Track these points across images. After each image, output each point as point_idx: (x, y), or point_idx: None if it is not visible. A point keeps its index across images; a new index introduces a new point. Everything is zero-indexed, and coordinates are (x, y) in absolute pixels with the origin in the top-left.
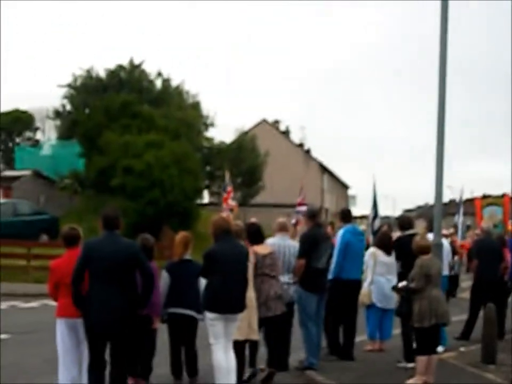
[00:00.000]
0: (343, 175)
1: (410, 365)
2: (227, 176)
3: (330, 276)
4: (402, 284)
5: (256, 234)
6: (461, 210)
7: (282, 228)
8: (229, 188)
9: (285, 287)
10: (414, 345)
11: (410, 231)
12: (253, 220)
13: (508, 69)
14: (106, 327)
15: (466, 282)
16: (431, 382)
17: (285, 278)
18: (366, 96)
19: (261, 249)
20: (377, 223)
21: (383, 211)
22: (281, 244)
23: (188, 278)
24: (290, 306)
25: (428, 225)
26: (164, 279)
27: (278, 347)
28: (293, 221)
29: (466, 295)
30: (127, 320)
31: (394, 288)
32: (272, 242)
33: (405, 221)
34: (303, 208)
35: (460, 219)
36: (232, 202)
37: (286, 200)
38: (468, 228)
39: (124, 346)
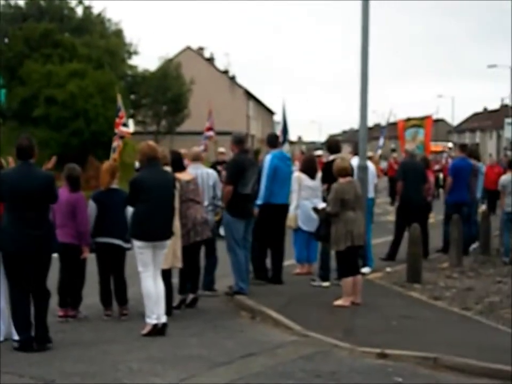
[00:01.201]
0: (268, 101)
1: (325, 283)
2: (119, 99)
3: (259, 201)
4: (322, 205)
5: (178, 162)
6: (384, 133)
7: (196, 158)
8: (121, 113)
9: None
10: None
11: (338, 155)
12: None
13: None
14: (25, 253)
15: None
16: (358, 302)
17: (205, 204)
18: (293, 20)
19: (183, 175)
20: (285, 147)
21: (309, 136)
22: (198, 173)
23: (115, 207)
24: (212, 230)
25: (353, 150)
26: (91, 208)
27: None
28: (201, 147)
29: (391, 217)
30: (46, 245)
31: (315, 209)
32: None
33: (332, 144)
34: (211, 133)
35: (381, 142)
36: (124, 129)
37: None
38: (393, 151)
39: (44, 271)
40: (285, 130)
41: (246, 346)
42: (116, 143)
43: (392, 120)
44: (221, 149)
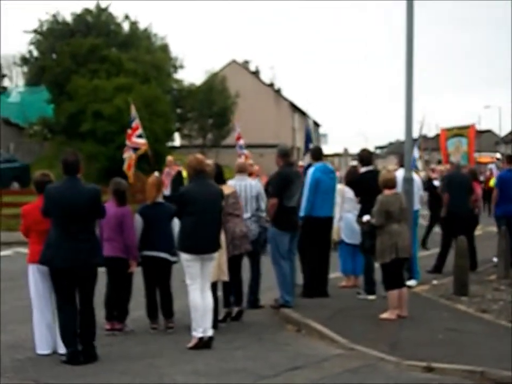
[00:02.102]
0: (314, 113)
1: (371, 297)
2: (132, 109)
3: (301, 214)
4: (366, 217)
5: (218, 176)
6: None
7: (241, 169)
8: (135, 124)
9: (248, 224)
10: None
11: (370, 167)
12: (209, 161)
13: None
14: (72, 267)
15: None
16: (404, 315)
17: (247, 215)
18: (338, 33)
19: (223, 189)
20: (306, 159)
21: (354, 148)
22: (242, 184)
23: (161, 221)
24: (254, 244)
25: (399, 161)
26: (137, 222)
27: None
28: (242, 158)
29: (437, 228)
30: (92, 259)
31: (359, 221)
32: (232, 184)
33: (364, 157)
34: (242, 142)
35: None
36: (138, 140)
37: (257, 140)
38: (426, 162)
39: (91, 285)
40: (307, 140)
41: (292, 359)
42: (127, 154)
43: (434, 132)
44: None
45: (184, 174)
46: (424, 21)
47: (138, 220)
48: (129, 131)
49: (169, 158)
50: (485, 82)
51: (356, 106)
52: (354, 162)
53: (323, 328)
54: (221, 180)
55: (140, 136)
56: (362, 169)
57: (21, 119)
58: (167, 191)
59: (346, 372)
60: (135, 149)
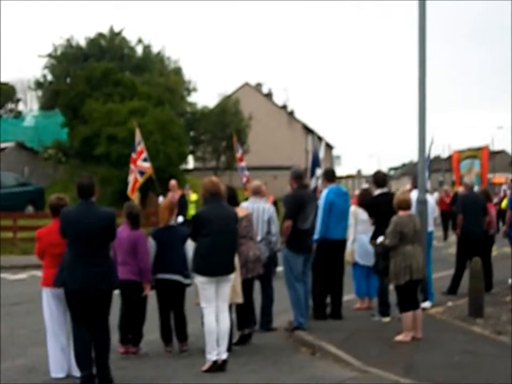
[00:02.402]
0: (327, 135)
1: (385, 319)
2: (137, 134)
3: (316, 236)
4: (380, 239)
5: (232, 198)
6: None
7: (256, 191)
8: (139, 148)
9: (261, 248)
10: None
11: (384, 190)
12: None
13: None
14: (86, 290)
15: (450, 237)
16: (419, 337)
17: (258, 239)
18: (349, 55)
19: (237, 211)
20: (313, 182)
21: (367, 170)
22: (255, 207)
23: (174, 244)
24: (266, 267)
25: (413, 182)
26: (150, 246)
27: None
28: (244, 180)
29: (452, 250)
30: (107, 282)
31: (372, 242)
32: (246, 206)
33: (379, 178)
34: (243, 164)
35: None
36: (144, 164)
37: (271, 162)
38: (440, 184)
39: (106, 308)
40: (314, 163)
41: (307, 382)
42: (132, 177)
43: (447, 152)
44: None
45: (194, 197)
46: (438, 39)
47: (151, 243)
48: (133, 155)
49: (173, 182)
50: (497, 102)
51: (369, 128)
52: (366, 185)
53: (337, 350)
54: (235, 202)
55: (145, 160)
56: (377, 191)
57: (36, 143)
58: None
59: None
60: (142, 173)
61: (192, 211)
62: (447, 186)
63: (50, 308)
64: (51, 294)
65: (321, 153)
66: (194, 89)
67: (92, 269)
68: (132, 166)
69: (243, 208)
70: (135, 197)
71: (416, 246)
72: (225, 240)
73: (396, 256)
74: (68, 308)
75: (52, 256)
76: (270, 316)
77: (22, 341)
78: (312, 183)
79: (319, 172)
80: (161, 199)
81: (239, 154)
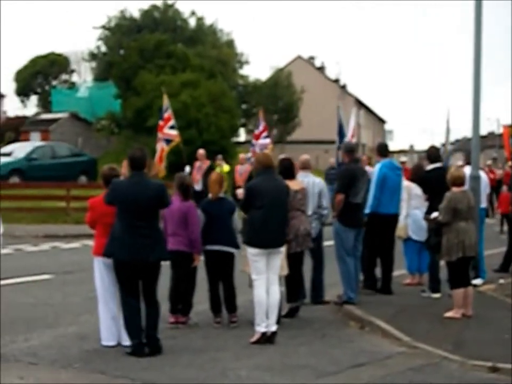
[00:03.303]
0: (380, 110)
1: (436, 295)
2: (165, 100)
3: (367, 210)
4: (434, 215)
5: (289, 170)
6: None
7: (305, 166)
8: (167, 114)
9: (313, 222)
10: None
11: (437, 164)
12: (282, 155)
13: None
14: (136, 260)
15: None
16: (469, 314)
17: (309, 213)
18: (402, 29)
19: (292, 184)
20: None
21: (420, 145)
22: (305, 181)
23: (224, 216)
24: (316, 240)
25: (466, 159)
26: (200, 217)
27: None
28: (249, 154)
29: (504, 227)
30: (156, 253)
31: (426, 218)
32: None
33: (432, 154)
34: (262, 142)
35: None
36: (171, 131)
37: (322, 136)
38: (494, 160)
39: (154, 278)
40: (341, 134)
41: (355, 356)
42: (159, 145)
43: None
44: (242, 155)
45: (226, 168)
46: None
47: (201, 216)
48: (161, 122)
49: (200, 151)
50: None
51: (422, 103)
52: (403, 158)
53: (387, 325)
54: (291, 174)
55: (172, 128)
56: (430, 167)
57: (89, 114)
58: (198, 186)
59: (410, 370)
60: (168, 141)
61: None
62: (490, 161)
63: (102, 277)
64: (102, 263)
65: (352, 122)
66: (247, 62)
67: (140, 240)
68: (159, 134)
69: (299, 182)
70: (162, 168)
71: (469, 223)
72: (277, 212)
73: (449, 232)
74: (116, 278)
75: (104, 225)
76: (321, 289)
77: (75, 309)
78: (339, 157)
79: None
80: (187, 169)
81: (258, 131)
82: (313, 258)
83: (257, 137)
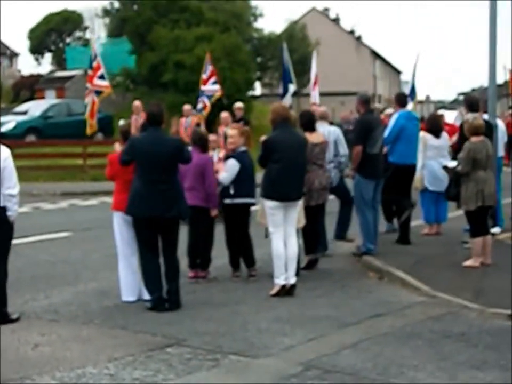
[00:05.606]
0: (395, 60)
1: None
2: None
3: (391, 159)
4: (452, 164)
5: (309, 123)
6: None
7: (322, 117)
8: (95, 63)
9: (331, 173)
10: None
11: (476, 114)
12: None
13: None
14: (155, 216)
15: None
16: (488, 262)
17: (329, 165)
18: None
19: (312, 137)
20: (288, 99)
21: (436, 95)
22: (320, 131)
23: (246, 168)
24: (338, 189)
25: (482, 107)
26: (234, 168)
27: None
28: (199, 105)
29: None
30: (175, 209)
31: (445, 168)
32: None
33: (472, 101)
34: (210, 87)
35: None
36: (100, 82)
37: (338, 88)
38: (510, 108)
39: (174, 234)
40: (286, 79)
41: (374, 306)
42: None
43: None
44: (238, 104)
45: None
46: None
47: (236, 165)
48: (89, 72)
49: (136, 103)
50: None
51: (438, 53)
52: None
53: (405, 275)
54: (312, 127)
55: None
56: (469, 115)
57: (104, 70)
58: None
59: (429, 319)
60: (98, 93)
61: None
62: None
63: (121, 232)
64: (122, 218)
65: (314, 68)
66: (261, 15)
67: (159, 196)
68: (88, 85)
69: (319, 134)
70: (93, 123)
71: (488, 172)
72: (295, 165)
73: (468, 182)
74: (135, 233)
75: (124, 181)
76: (347, 227)
77: (94, 265)
78: (287, 100)
79: (292, 88)
80: (121, 122)
81: (205, 75)
82: (340, 199)
83: (205, 83)
